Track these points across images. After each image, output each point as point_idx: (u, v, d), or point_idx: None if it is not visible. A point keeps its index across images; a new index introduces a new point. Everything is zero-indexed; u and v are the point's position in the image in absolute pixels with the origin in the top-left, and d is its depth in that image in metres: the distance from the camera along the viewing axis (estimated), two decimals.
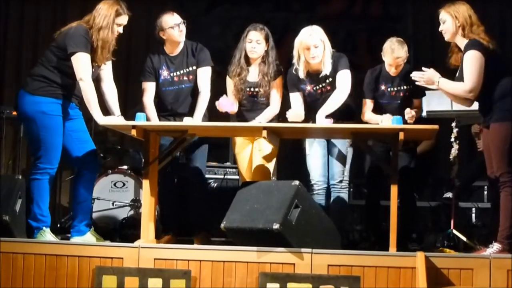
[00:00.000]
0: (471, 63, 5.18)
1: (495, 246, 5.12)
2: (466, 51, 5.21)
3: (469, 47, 5.21)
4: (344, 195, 6.11)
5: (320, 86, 6.00)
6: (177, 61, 6.14)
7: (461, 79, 5.26)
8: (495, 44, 5.27)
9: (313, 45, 5.86)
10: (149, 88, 6.16)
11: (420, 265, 4.73)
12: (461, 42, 5.31)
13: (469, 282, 4.84)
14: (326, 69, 5.92)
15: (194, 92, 6.12)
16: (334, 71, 5.92)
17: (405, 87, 6.07)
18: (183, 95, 6.12)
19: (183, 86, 6.12)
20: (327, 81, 5.97)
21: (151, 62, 6.17)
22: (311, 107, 6.01)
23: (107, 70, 5.74)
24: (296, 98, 6.06)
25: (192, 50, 6.14)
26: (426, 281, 4.61)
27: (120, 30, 5.65)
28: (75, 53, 5.46)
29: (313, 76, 5.99)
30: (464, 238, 6.35)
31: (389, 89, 6.11)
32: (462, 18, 5.27)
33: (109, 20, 5.54)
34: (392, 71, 6.08)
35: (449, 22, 5.31)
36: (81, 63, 5.47)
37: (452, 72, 5.47)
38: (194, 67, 6.12)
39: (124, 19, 5.64)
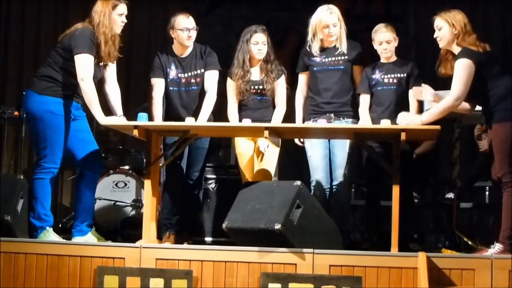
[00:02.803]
0: (460, 71, 5.18)
1: (497, 247, 5.13)
2: (456, 59, 5.22)
3: (459, 56, 5.23)
4: (346, 195, 6.11)
5: (330, 59, 6.11)
6: (186, 63, 6.13)
7: None
8: (489, 48, 5.28)
9: (332, 23, 6.02)
10: (158, 84, 6.14)
11: (421, 265, 4.73)
12: (456, 50, 5.31)
13: (470, 282, 4.84)
14: (343, 47, 6.10)
15: (201, 96, 6.13)
16: (353, 58, 6.13)
17: (398, 75, 6.05)
18: (191, 98, 6.12)
19: (190, 88, 6.12)
20: (342, 58, 6.11)
21: (159, 59, 6.16)
22: (318, 80, 6.14)
23: (111, 71, 5.76)
24: (302, 80, 6.26)
25: (201, 53, 6.14)
26: (427, 281, 4.61)
27: (123, 19, 5.67)
28: (79, 54, 5.48)
29: (326, 49, 6.15)
30: (465, 239, 6.35)
31: (382, 76, 6.08)
32: (459, 26, 5.28)
33: (106, 14, 5.57)
34: (382, 48, 6.02)
35: (445, 30, 5.31)
36: (83, 64, 5.48)
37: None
38: (202, 70, 6.12)
39: (122, 8, 5.66)
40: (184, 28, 6.04)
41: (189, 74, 6.12)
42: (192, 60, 6.13)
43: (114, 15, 5.61)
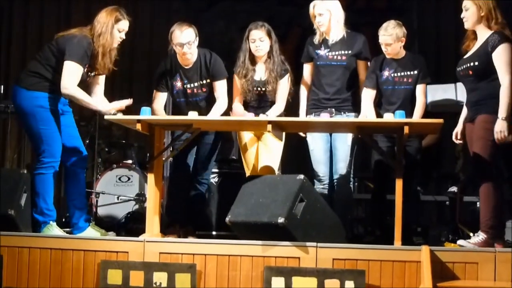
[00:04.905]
0: (503, 56, 5.17)
1: (481, 236, 5.17)
2: (498, 44, 5.19)
3: (501, 40, 5.20)
4: (348, 189, 6.12)
5: (334, 54, 6.14)
6: (191, 73, 6.06)
7: (477, 61, 5.25)
8: None
9: (318, 13, 6.12)
10: (160, 97, 6.12)
11: (425, 259, 4.73)
12: (483, 31, 5.30)
13: (474, 276, 4.85)
14: (333, 36, 6.15)
15: (209, 100, 6.09)
16: (356, 52, 6.15)
17: (408, 73, 6.05)
18: (199, 106, 6.06)
19: (198, 98, 6.08)
20: (346, 53, 6.13)
21: (164, 73, 6.11)
22: (321, 74, 6.17)
23: (100, 86, 5.79)
24: (306, 70, 6.34)
25: (205, 62, 6.06)
26: (431, 275, 4.61)
27: (123, 35, 5.67)
28: (70, 61, 5.48)
29: (327, 41, 6.19)
30: (469, 232, 6.34)
31: (392, 75, 6.08)
32: (487, 9, 5.28)
33: (108, 26, 5.57)
34: (384, 50, 6.02)
35: (472, 10, 5.31)
36: (70, 72, 5.48)
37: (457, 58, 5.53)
38: (208, 80, 6.07)
39: (124, 24, 5.66)
40: (178, 44, 5.93)
41: (195, 84, 6.07)
42: (197, 70, 6.05)
43: (115, 30, 5.61)
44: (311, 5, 6.14)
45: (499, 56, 5.18)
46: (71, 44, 5.51)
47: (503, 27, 5.27)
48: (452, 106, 6.75)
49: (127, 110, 5.71)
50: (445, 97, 6.87)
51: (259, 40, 6.09)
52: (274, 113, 6.07)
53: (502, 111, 5.15)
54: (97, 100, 5.60)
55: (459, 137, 5.48)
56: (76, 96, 5.52)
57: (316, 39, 6.20)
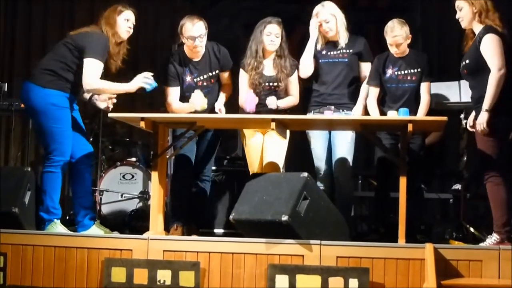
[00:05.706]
0: (490, 45, 5.18)
1: (494, 237, 5.15)
2: (482, 36, 5.21)
3: (485, 32, 5.21)
4: (350, 186, 6.12)
5: (336, 52, 6.16)
6: (200, 66, 6.09)
7: (468, 59, 5.28)
8: (507, 33, 5.28)
9: (324, 20, 6.09)
10: (174, 92, 6.12)
11: (429, 256, 4.73)
12: (477, 28, 5.32)
13: (478, 273, 4.85)
14: (342, 40, 6.15)
15: (214, 92, 6.14)
16: (358, 52, 6.15)
17: (412, 71, 6.05)
18: (208, 98, 6.04)
19: (206, 90, 6.07)
20: (347, 51, 6.15)
21: (175, 68, 6.10)
22: (323, 71, 6.19)
23: None
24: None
25: (214, 53, 6.10)
26: (435, 272, 4.61)
27: (130, 25, 5.70)
28: (92, 59, 5.49)
29: (331, 43, 6.20)
30: (473, 230, 6.34)
31: (396, 73, 6.08)
32: (479, 4, 5.30)
33: (114, 18, 5.63)
34: (394, 51, 6.04)
35: (466, 9, 5.33)
36: (92, 68, 5.50)
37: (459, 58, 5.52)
38: (217, 71, 6.12)
39: (128, 14, 5.69)
40: (189, 37, 5.95)
41: (205, 76, 6.10)
42: (206, 63, 6.09)
43: (120, 21, 5.64)
44: (314, 12, 6.12)
45: (484, 48, 5.20)
46: (91, 41, 5.53)
47: (493, 20, 5.27)
48: (455, 103, 6.74)
49: (129, 109, 5.71)
50: (449, 94, 6.86)
51: (275, 35, 6.08)
52: (287, 101, 6.10)
53: (485, 103, 5.15)
54: (120, 85, 5.64)
55: (470, 124, 5.45)
56: (102, 87, 5.57)
57: (318, 45, 6.19)
